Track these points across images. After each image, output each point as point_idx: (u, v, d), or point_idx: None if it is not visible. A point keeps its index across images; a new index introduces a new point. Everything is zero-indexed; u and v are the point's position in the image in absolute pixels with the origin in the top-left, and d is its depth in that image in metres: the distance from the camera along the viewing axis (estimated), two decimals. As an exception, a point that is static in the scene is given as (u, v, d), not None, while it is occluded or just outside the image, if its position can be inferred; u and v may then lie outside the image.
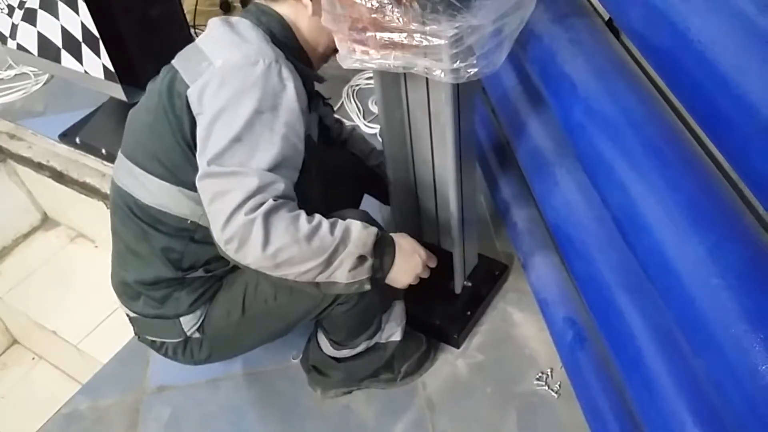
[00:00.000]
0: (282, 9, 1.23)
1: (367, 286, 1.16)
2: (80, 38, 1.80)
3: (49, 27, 1.84)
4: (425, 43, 1.14)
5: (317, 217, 1.13)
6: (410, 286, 1.29)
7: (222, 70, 1.11)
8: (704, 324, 0.82)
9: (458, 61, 1.16)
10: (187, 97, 1.13)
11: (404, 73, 1.38)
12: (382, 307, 1.42)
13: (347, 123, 1.68)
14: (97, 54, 1.80)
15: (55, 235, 2.57)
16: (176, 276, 1.27)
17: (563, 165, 1.42)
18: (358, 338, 1.44)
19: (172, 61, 1.22)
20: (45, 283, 2.35)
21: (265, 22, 1.21)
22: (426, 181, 1.55)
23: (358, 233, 1.14)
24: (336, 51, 1.19)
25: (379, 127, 2.32)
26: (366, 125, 2.37)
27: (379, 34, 1.16)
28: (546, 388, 1.56)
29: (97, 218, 2.28)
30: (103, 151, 2.21)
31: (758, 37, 0.71)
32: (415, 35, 1.14)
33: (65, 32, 1.82)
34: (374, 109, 2.42)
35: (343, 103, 2.47)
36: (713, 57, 0.74)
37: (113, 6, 1.76)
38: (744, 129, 0.70)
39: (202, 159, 1.11)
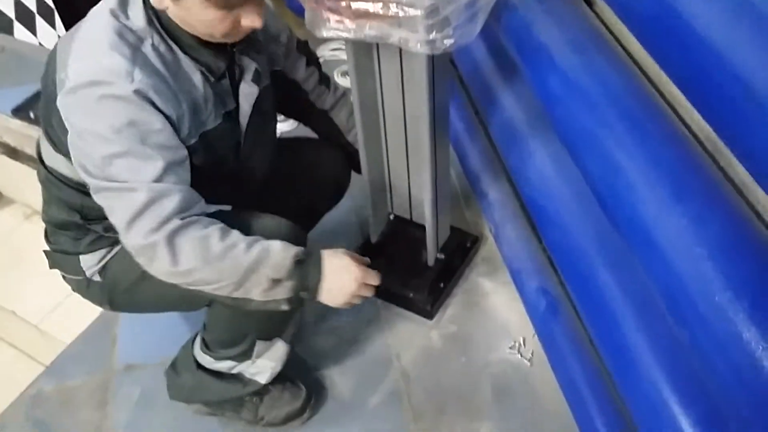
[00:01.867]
0: None
1: (285, 306, 1.15)
2: (34, 9, 1.72)
3: (1, -3, 1.76)
4: (401, 13, 1.12)
5: (233, 235, 1.09)
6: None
7: (73, 90, 1.04)
8: (688, 294, 0.83)
9: (434, 32, 1.14)
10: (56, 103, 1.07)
11: (377, 44, 1.36)
12: (257, 328, 1.32)
13: (341, 85, 1.58)
14: (52, 25, 1.72)
15: (9, 213, 2.48)
16: (78, 222, 1.25)
17: (537, 137, 1.43)
18: (224, 350, 1.35)
19: (62, 38, 1.14)
20: (1, 263, 2.27)
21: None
22: (399, 153, 1.54)
23: (276, 255, 1.10)
24: (230, 35, 1.11)
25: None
26: (331, 97, 2.32)
27: (354, 4, 1.13)
28: (519, 356, 1.59)
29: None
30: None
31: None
32: (390, 5, 1.12)
33: (18, 3, 1.73)
34: (340, 81, 2.38)
35: (307, 74, 2.42)
36: (701, 25, 0.74)
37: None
38: (732, 98, 0.71)
39: (84, 172, 1.09)
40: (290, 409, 1.48)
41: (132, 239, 1.06)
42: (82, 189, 1.18)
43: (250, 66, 1.23)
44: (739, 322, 0.77)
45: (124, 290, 1.30)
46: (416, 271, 1.69)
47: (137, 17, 1.07)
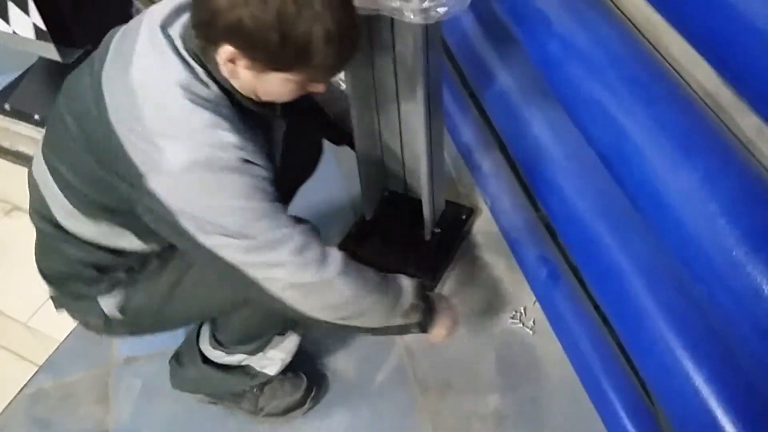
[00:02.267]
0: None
1: (395, 333, 1.21)
2: (6, -5, 1.66)
3: (-31, -16, 1.69)
4: (392, -18, 1.10)
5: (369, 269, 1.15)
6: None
7: (182, 173, 0.97)
8: (704, 251, 0.83)
9: (427, 1, 1.13)
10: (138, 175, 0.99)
11: (368, 18, 1.33)
12: (281, 325, 1.34)
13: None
14: (26, 12, 1.66)
15: (-12, 210, 2.41)
16: (93, 274, 1.21)
17: (532, 104, 1.42)
18: (240, 346, 1.35)
19: (104, 83, 1.02)
20: (-17, 261, 2.21)
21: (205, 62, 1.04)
22: (392, 128, 1.52)
23: (407, 292, 1.19)
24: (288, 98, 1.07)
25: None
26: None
27: (345, -25, 1.11)
28: (521, 325, 1.59)
29: (32, 187, 2.16)
30: (36, 116, 2.06)
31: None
32: (381, -26, 1.10)
33: (-11, -11, 1.67)
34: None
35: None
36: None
37: (40, -40, 1.63)
38: (745, 45, 0.70)
39: (211, 238, 1.02)
40: (291, 400, 1.47)
41: (305, 278, 1.05)
42: (106, 247, 1.16)
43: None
44: (758, 275, 0.77)
45: (150, 317, 1.27)
46: (414, 246, 1.68)
47: (211, 87, 1.00)
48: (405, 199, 1.72)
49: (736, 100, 0.98)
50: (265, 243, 1.02)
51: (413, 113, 1.40)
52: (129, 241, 1.17)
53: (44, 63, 2.00)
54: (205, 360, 1.41)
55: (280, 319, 1.30)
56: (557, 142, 1.34)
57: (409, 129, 1.49)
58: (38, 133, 2.11)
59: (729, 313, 0.81)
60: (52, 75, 1.99)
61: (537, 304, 1.58)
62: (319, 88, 1.06)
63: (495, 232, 1.71)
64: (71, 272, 1.23)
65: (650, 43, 1.13)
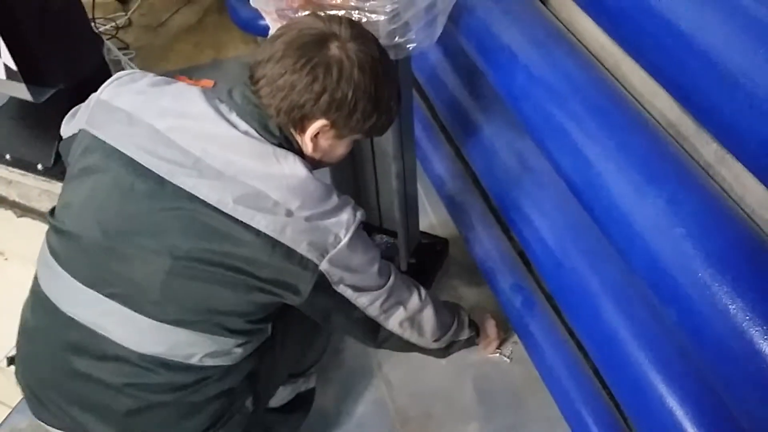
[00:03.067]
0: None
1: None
2: (-26, 36, 1.66)
3: (-60, 26, 1.69)
4: (364, 19, 1.13)
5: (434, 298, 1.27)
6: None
7: (349, 243, 1.01)
8: (671, 273, 0.85)
9: (397, 37, 1.16)
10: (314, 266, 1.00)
11: (338, 53, 1.36)
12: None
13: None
14: (-8, 49, 1.67)
15: (-41, 252, 2.37)
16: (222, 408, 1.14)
17: (501, 136, 1.45)
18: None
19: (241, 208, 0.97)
20: (-45, 305, 2.18)
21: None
22: (365, 161, 1.54)
23: (464, 318, 1.40)
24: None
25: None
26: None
27: (318, 11, 1.14)
28: (498, 354, 1.60)
29: (6, 229, 2.13)
30: (8, 156, 2.05)
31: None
32: (353, 12, 1.13)
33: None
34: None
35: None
36: (672, 11, 0.76)
37: (10, 1, 1.63)
38: (707, 83, 0.73)
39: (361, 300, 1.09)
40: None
41: (414, 306, 1.18)
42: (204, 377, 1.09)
43: None
44: (723, 296, 0.79)
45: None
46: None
47: (296, 167, 1.01)
48: (380, 231, 1.73)
49: (696, 128, 1.02)
50: (387, 294, 1.12)
51: (385, 147, 1.42)
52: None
53: (14, 103, 2.00)
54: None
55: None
56: (526, 171, 1.37)
57: (381, 162, 1.51)
58: (9, 173, 2.10)
59: (695, 334, 0.83)
60: (22, 115, 1.99)
61: (514, 332, 1.59)
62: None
63: (470, 262, 1.73)
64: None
65: (612, 73, 1.17)
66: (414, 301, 1.18)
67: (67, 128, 1.16)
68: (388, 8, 1.11)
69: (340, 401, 1.55)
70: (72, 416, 1.10)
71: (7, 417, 1.60)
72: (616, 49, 1.14)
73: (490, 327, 1.55)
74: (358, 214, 1.04)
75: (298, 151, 1.05)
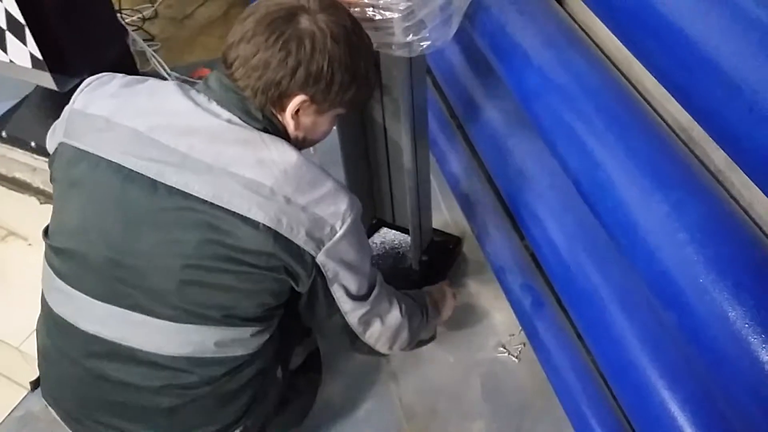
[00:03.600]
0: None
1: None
2: (4, 26, 1.69)
3: (-31, 15, 1.73)
4: (378, 17, 1.13)
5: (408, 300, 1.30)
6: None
7: (344, 234, 1.02)
8: (673, 278, 0.85)
9: (411, 35, 1.16)
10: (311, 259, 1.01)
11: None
12: None
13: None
14: (23, 42, 1.70)
15: (-18, 235, 2.43)
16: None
17: (515, 135, 1.45)
18: None
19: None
20: (-23, 286, 2.23)
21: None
22: (379, 157, 1.55)
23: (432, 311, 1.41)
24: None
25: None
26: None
27: (331, 10, 1.15)
28: (507, 354, 1.60)
29: (29, 215, 2.17)
30: (33, 143, 2.09)
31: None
32: (367, 9, 1.13)
33: (-13, 20, 1.71)
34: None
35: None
36: (677, 16, 0.76)
37: (38, -9, 1.67)
38: (712, 89, 0.73)
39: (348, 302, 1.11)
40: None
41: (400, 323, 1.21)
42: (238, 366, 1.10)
43: None
44: (723, 302, 0.79)
45: None
46: (401, 274, 1.70)
47: (286, 151, 1.01)
48: (393, 228, 1.74)
49: (706, 133, 1.01)
50: (373, 299, 1.14)
51: (399, 144, 1.43)
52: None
53: (40, 92, 2.04)
54: None
55: None
56: (539, 171, 1.37)
57: (395, 159, 1.52)
58: (34, 160, 2.14)
59: (694, 339, 0.83)
60: (48, 103, 2.03)
61: (522, 332, 1.59)
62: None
63: (482, 260, 1.73)
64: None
65: (625, 75, 1.16)
66: (393, 316, 1.19)
67: (50, 144, 1.13)
68: (402, 6, 1.12)
69: (348, 395, 1.57)
70: (113, 426, 1.11)
71: (23, 399, 1.64)
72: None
73: (449, 295, 1.51)
74: (355, 207, 1.04)
75: (284, 134, 1.04)
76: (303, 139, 1.09)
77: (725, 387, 0.82)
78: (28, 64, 1.78)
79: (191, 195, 0.95)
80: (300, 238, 0.97)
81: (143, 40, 2.67)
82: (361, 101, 1.11)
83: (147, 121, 0.99)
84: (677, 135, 1.07)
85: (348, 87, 1.03)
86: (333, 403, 1.55)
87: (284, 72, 0.97)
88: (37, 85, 1.99)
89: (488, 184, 1.70)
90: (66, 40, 1.78)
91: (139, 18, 2.84)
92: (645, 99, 1.11)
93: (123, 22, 2.53)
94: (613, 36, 1.03)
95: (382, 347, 1.22)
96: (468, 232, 1.81)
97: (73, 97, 1.09)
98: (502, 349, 1.62)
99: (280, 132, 1.04)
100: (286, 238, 0.97)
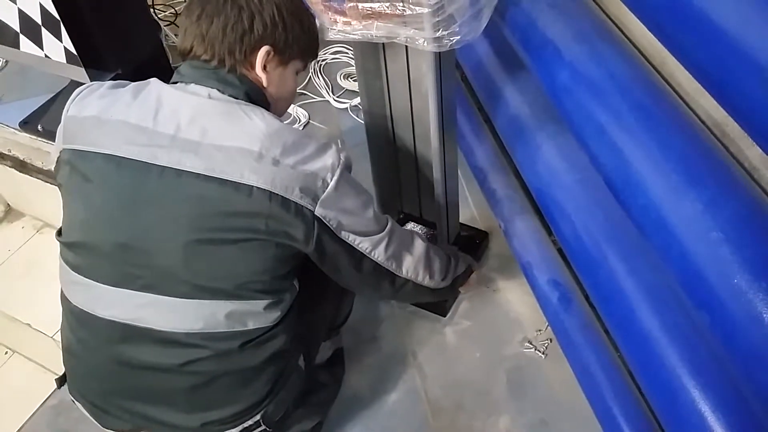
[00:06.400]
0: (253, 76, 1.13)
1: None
2: (39, 21, 1.72)
3: (5, 11, 1.76)
4: (408, 11, 1.13)
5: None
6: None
7: (335, 186, 1.05)
8: (705, 278, 0.84)
9: (440, 30, 1.16)
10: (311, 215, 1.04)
11: (383, 45, 1.37)
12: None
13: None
14: (58, 37, 1.73)
15: (20, 227, 2.48)
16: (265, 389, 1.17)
17: (544, 130, 1.44)
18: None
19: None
20: (14, 276, 2.27)
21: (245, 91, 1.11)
22: (407, 152, 1.55)
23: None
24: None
25: (348, 102, 2.31)
26: (335, 100, 2.34)
27: (360, 4, 1.15)
28: (533, 349, 1.60)
29: (57, 204, 2.23)
30: (67, 137, 2.14)
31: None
32: (397, 4, 1.14)
33: (23, 16, 1.74)
34: (343, 83, 2.39)
35: (310, 78, 2.44)
36: (712, 9, 0.75)
37: (72, -14, 1.70)
38: (749, 84, 0.72)
39: (365, 244, 1.14)
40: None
41: (420, 250, 1.26)
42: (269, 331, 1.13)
43: None
44: (758, 303, 0.78)
45: None
46: (428, 268, 1.70)
47: (266, 117, 1.06)
48: (420, 222, 1.74)
49: (742, 130, 0.99)
50: (390, 237, 1.17)
51: (427, 138, 1.43)
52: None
53: (74, 86, 2.07)
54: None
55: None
56: (568, 167, 1.36)
57: (423, 153, 1.52)
58: (68, 153, 2.18)
59: (728, 340, 0.82)
60: (83, 97, 2.06)
61: (549, 327, 1.58)
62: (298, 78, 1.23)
63: (509, 255, 1.73)
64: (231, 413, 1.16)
65: (658, 71, 1.15)
66: (418, 244, 1.25)
67: (53, 155, 1.18)
68: (432, 1, 1.12)
69: (374, 388, 1.57)
70: (137, 412, 1.15)
71: (57, 388, 1.67)
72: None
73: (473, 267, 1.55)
74: (342, 157, 1.07)
75: (262, 95, 1.12)
76: (277, 99, 1.17)
77: (759, 390, 0.81)
78: (63, 59, 1.81)
79: (184, 171, 1.00)
80: (296, 195, 1.01)
81: (175, 35, 2.70)
82: (311, 53, 1.20)
83: (134, 112, 1.05)
84: (711, 131, 1.06)
85: (299, 35, 1.14)
86: (359, 396, 1.56)
87: (243, 27, 1.07)
88: (72, 80, 2.03)
89: (516, 178, 1.69)
90: (100, 36, 1.81)
91: (171, 13, 2.87)
92: (678, 94, 1.10)
93: (156, 18, 2.56)
94: (646, 30, 1.02)
95: (423, 279, 1.27)
96: (495, 227, 1.80)
97: (66, 106, 1.15)
98: (528, 344, 1.61)
99: (259, 93, 1.11)
100: (282, 197, 1.00)
